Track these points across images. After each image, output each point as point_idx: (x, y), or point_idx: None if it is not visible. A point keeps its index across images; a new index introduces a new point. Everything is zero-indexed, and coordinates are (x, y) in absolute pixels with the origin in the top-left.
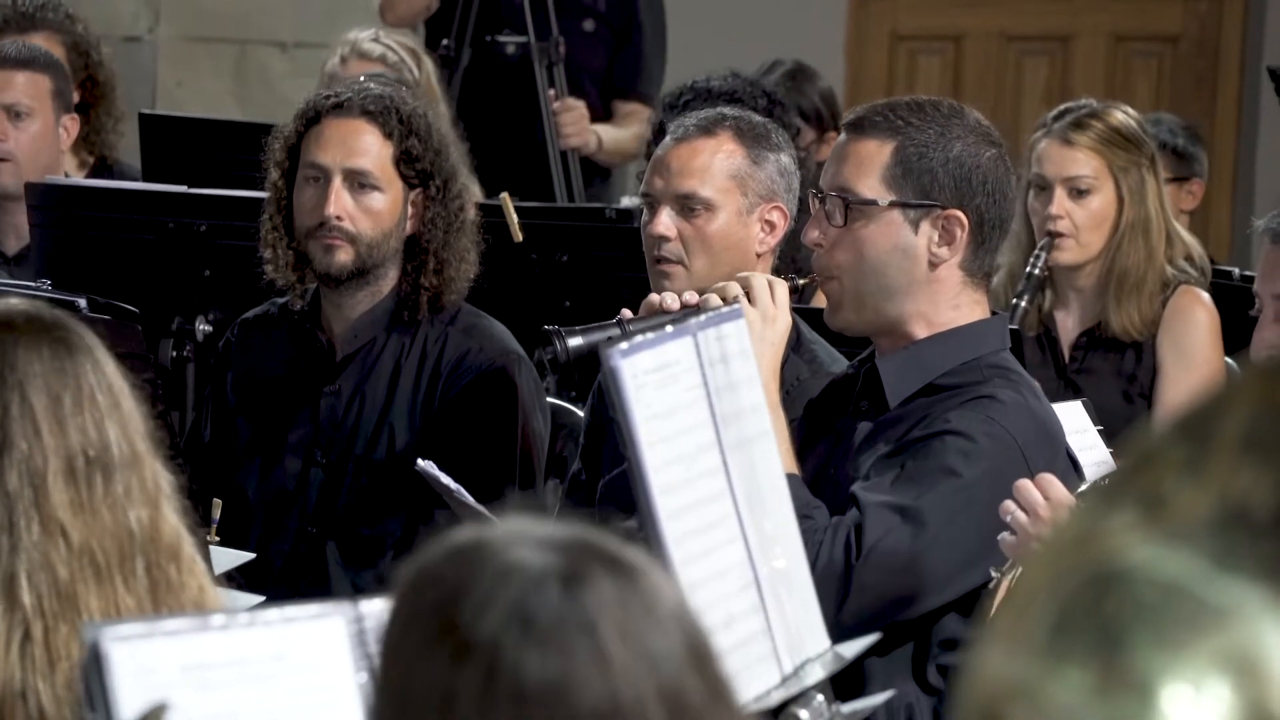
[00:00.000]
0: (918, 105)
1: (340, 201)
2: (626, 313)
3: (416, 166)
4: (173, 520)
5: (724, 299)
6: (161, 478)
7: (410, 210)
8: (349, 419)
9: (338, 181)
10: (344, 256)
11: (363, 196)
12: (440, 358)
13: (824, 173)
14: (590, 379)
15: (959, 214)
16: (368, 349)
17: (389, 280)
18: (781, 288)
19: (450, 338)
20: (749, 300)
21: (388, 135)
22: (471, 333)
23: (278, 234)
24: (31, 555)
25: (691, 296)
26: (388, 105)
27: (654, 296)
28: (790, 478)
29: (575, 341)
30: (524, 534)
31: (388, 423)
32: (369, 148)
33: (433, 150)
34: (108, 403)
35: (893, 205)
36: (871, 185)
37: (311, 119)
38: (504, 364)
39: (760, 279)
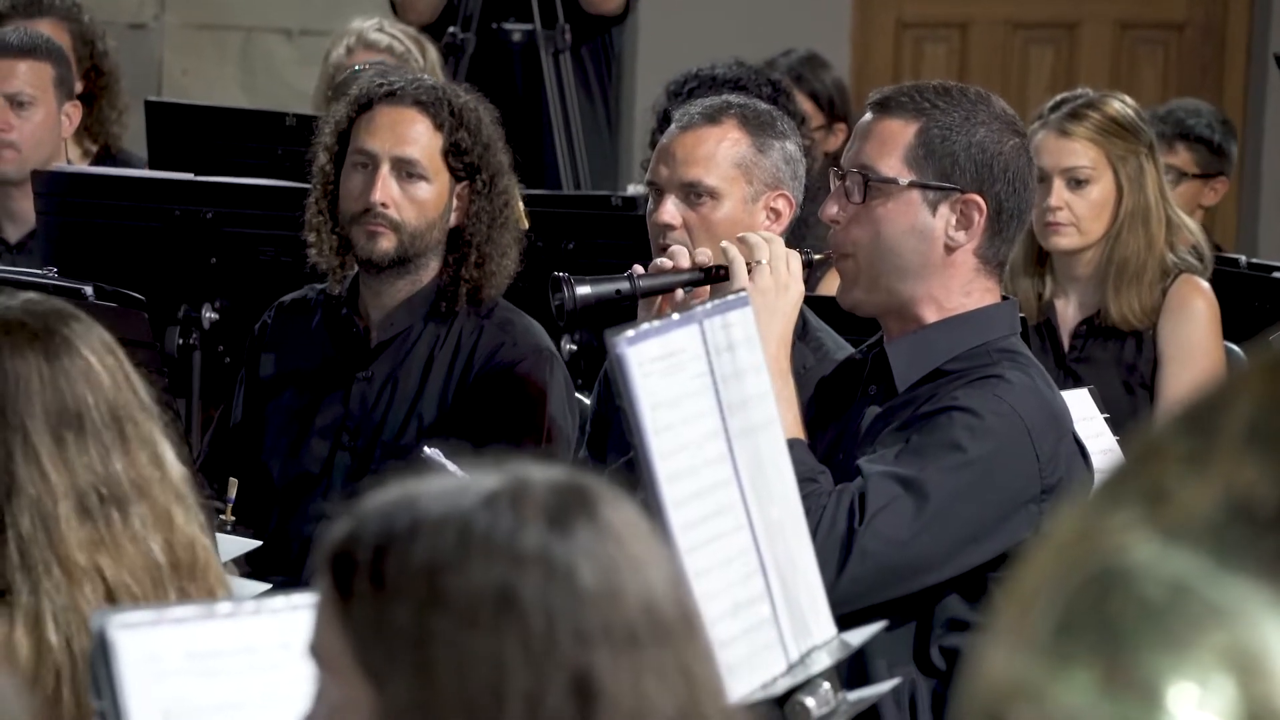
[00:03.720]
0: (945, 89)
1: (387, 188)
2: (638, 268)
3: (464, 159)
4: (187, 531)
5: (742, 256)
6: (169, 488)
7: (456, 203)
8: (380, 406)
9: (385, 169)
10: (386, 244)
11: (409, 185)
12: (474, 350)
13: (846, 150)
14: (597, 367)
15: (978, 199)
16: (403, 337)
17: (429, 270)
18: (795, 259)
19: (485, 331)
20: (767, 266)
21: (438, 126)
22: (506, 328)
23: (322, 218)
24: (54, 597)
25: (704, 255)
26: (440, 96)
27: (663, 260)
28: (797, 443)
29: (583, 290)
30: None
31: (417, 411)
32: (419, 137)
33: (481, 144)
34: (111, 435)
35: (912, 185)
36: (893, 164)
37: (364, 105)
38: (535, 360)
39: (780, 245)
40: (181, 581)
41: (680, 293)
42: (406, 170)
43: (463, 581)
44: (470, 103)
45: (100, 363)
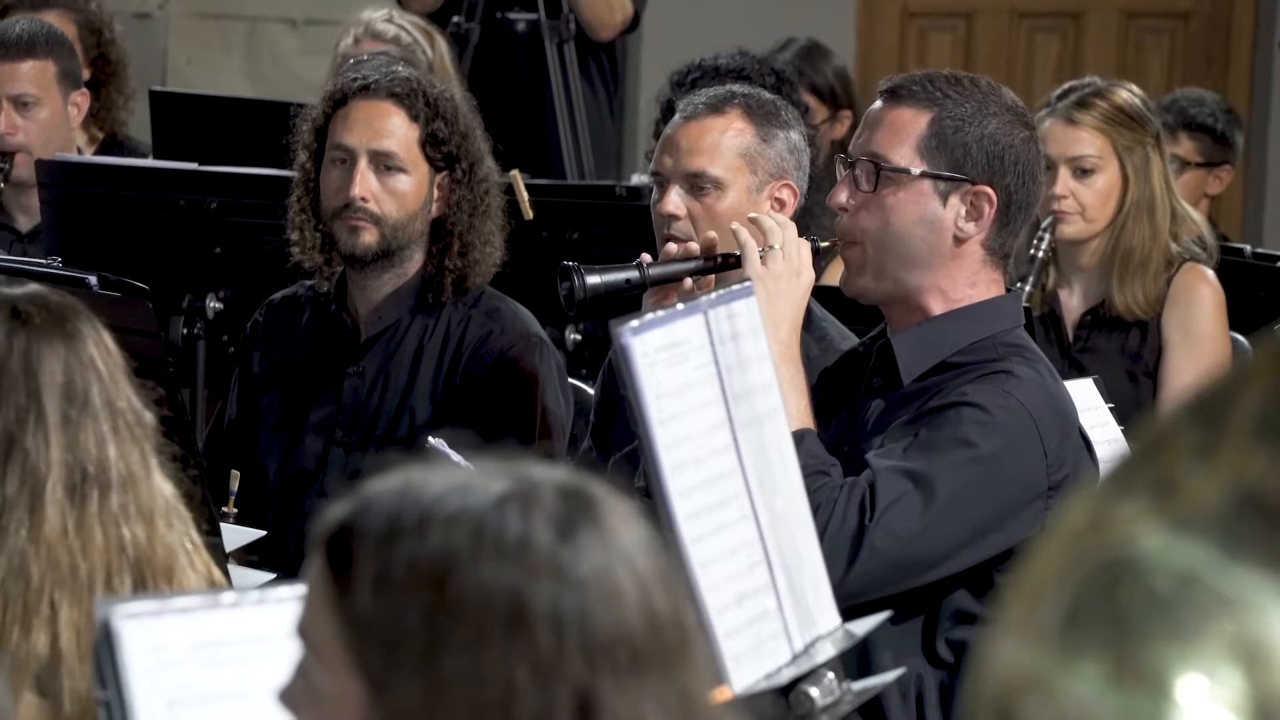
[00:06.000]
0: (956, 79)
1: (365, 183)
2: (646, 256)
3: (443, 149)
4: (168, 539)
5: (754, 241)
6: (159, 492)
7: (436, 193)
8: (372, 400)
9: (363, 163)
10: (369, 238)
11: (388, 178)
12: (462, 340)
13: (855, 137)
14: (601, 356)
15: (989, 190)
16: (392, 330)
17: (414, 262)
18: (805, 246)
19: (473, 320)
20: (779, 251)
21: (414, 118)
22: (494, 315)
23: (305, 216)
24: (12, 560)
25: (710, 238)
26: (414, 88)
27: (672, 245)
28: (808, 434)
29: (593, 279)
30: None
31: (409, 404)
32: (395, 129)
33: (459, 133)
34: (108, 425)
35: (924, 175)
36: (905, 154)
37: (339, 101)
38: (524, 347)
39: (793, 229)
40: (148, 574)
41: (689, 280)
42: (384, 163)
43: (475, 585)
44: (446, 92)
45: (101, 359)
